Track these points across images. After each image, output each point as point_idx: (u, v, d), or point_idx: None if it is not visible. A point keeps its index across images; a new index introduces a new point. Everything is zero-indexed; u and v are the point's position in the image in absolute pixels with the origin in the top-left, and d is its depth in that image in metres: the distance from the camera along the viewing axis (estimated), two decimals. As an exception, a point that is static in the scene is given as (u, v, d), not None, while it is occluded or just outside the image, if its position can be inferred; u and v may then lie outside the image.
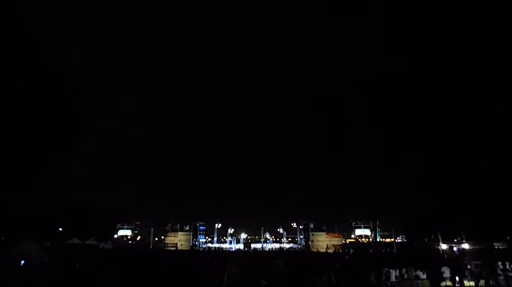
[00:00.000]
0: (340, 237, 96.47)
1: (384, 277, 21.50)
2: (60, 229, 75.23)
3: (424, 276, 21.91)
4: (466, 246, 52.01)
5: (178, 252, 57.62)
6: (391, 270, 21.90)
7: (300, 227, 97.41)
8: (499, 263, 23.34)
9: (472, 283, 19.57)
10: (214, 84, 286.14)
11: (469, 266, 23.05)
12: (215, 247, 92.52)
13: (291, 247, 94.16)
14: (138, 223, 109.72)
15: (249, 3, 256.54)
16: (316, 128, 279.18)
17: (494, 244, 48.80)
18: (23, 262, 20.41)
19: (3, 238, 49.77)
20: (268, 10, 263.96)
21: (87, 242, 61.22)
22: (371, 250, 70.46)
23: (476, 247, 46.69)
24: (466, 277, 20.10)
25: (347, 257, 44.76)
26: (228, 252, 71.73)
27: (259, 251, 75.51)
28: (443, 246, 53.57)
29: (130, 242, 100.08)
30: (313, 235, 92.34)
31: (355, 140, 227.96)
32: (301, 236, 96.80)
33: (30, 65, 15.51)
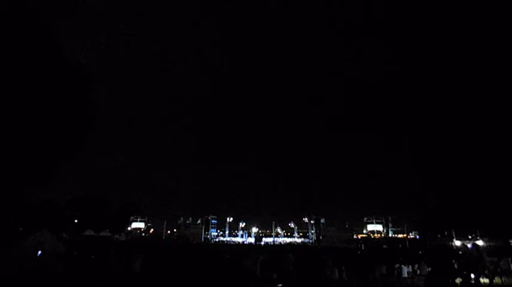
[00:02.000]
0: (352, 232, 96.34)
1: (395, 272, 21.40)
2: (76, 221, 76.77)
3: (437, 272, 21.70)
4: (480, 243, 51.15)
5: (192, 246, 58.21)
6: (403, 266, 21.76)
7: (312, 222, 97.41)
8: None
9: (487, 280, 19.28)
10: (231, 86, 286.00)
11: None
12: (226, 241, 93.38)
13: (302, 242, 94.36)
14: (151, 216, 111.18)
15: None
16: (320, 130, 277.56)
17: (510, 241, 47.85)
18: (40, 252, 20.93)
19: (20, 229, 51.03)
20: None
21: (101, 234, 62.38)
22: (384, 246, 69.97)
23: (491, 244, 45.90)
24: (481, 274, 19.81)
25: (358, 252, 44.64)
26: (240, 245, 72.19)
27: (271, 245, 75.88)
28: (457, 242, 52.89)
29: (143, 234, 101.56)
30: (324, 229, 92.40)
31: (362, 139, 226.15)
32: (312, 231, 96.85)
33: (41, 61, 15.71)
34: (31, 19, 15.19)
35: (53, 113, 16.15)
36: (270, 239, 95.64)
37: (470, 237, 54.35)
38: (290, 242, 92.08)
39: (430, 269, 20.66)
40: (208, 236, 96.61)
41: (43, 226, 30.85)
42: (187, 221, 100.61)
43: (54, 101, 16.03)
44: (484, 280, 19.23)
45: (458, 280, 19.22)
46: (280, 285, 15.08)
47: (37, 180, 18.21)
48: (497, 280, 18.98)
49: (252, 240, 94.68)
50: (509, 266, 22.88)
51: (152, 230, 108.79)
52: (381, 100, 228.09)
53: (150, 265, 18.23)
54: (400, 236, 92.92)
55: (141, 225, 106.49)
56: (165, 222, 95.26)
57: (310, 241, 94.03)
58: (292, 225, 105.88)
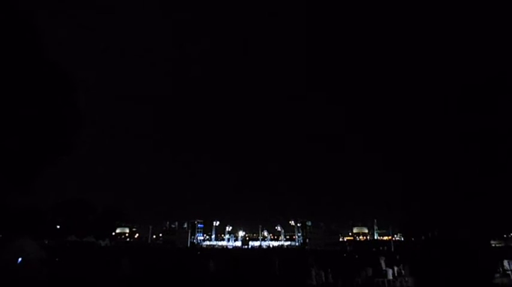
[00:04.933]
0: (338, 235, 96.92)
1: (381, 274, 21.55)
2: (58, 227, 74.94)
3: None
4: (462, 244, 51.99)
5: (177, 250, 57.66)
6: (388, 268, 21.93)
7: (298, 225, 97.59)
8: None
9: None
10: (212, 88, 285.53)
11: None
12: (213, 245, 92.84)
13: (289, 245, 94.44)
14: (136, 221, 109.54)
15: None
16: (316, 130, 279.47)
17: (491, 242, 48.95)
18: (20, 259, 20.34)
19: (0, 236, 49.60)
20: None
21: (84, 239, 61.16)
22: (374, 249, 70.42)
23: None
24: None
25: (345, 255, 44.88)
26: (226, 250, 71.79)
27: (258, 249, 75.78)
28: (440, 244, 53.72)
29: (128, 239, 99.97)
30: (310, 232, 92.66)
31: (353, 143, 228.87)
32: (299, 234, 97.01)
33: (25, 64, 15.37)
34: (14, 17, 14.87)
35: (37, 115, 15.81)
36: (256, 243, 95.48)
37: (452, 238, 55.26)
38: (277, 246, 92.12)
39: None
40: (195, 241, 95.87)
41: (24, 233, 30.06)
42: (173, 226, 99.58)
43: (38, 102, 15.70)
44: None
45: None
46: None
47: (19, 184, 17.74)
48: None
49: (238, 244, 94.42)
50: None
51: (137, 235, 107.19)
52: (366, 106, 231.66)
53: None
54: (385, 238, 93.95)
55: (126, 230, 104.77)
56: (150, 227, 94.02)
57: (297, 243, 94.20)
58: (278, 228, 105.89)
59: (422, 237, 75.44)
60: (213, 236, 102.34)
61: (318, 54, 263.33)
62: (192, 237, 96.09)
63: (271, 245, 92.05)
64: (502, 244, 51.06)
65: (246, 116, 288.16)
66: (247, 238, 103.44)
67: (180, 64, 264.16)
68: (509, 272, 22.59)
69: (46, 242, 51.50)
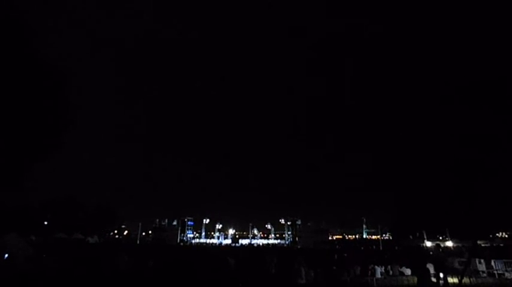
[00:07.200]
0: (327, 234, 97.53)
1: (369, 273, 21.74)
2: (46, 223, 73.99)
3: (409, 272, 22.24)
4: (449, 244, 52.97)
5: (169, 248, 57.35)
6: (376, 266, 22.12)
7: (288, 223, 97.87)
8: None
9: (456, 280, 19.93)
10: (204, 86, 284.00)
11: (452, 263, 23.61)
12: (202, 243, 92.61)
13: (278, 243, 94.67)
14: (126, 218, 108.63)
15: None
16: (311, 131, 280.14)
17: (478, 242, 49.79)
18: (6, 255, 20.11)
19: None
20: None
21: (73, 236, 60.45)
22: (362, 248, 70.98)
23: (460, 245, 47.62)
24: (450, 274, 20.44)
25: (335, 254, 45.12)
26: (218, 247, 71.65)
27: (252, 247, 75.87)
28: (428, 243, 54.54)
29: (117, 236, 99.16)
30: (300, 231, 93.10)
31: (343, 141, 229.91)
32: (288, 232, 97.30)
33: (13, 60, 15.12)
34: (3, 15, 14.61)
35: (26, 111, 15.58)
36: (246, 241, 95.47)
37: (440, 238, 56.06)
38: (267, 244, 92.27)
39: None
40: (184, 238, 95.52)
41: (11, 229, 29.65)
42: (163, 223, 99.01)
43: (27, 99, 15.46)
44: (453, 280, 19.90)
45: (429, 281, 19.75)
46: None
47: (8, 182, 17.45)
48: (466, 280, 19.63)
49: (228, 241, 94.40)
50: (477, 267, 23.80)
51: (126, 232, 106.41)
52: (361, 105, 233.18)
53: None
54: (374, 237, 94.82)
55: (115, 227, 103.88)
56: (140, 224, 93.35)
57: (287, 242, 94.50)
58: (268, 226, 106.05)
59: (410, 236, 76.47)
60: (203, 234, 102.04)
61: (316, 52, 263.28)
62: (182, 235, 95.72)
63: (261, 244, 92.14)
64: (488, 244, 51.90)
65: (239, 115, 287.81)
66: (237, 236, 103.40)
67: (178, 63, 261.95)
68: (495, 271, 23.05)
69: (33, 238, 50.75)
